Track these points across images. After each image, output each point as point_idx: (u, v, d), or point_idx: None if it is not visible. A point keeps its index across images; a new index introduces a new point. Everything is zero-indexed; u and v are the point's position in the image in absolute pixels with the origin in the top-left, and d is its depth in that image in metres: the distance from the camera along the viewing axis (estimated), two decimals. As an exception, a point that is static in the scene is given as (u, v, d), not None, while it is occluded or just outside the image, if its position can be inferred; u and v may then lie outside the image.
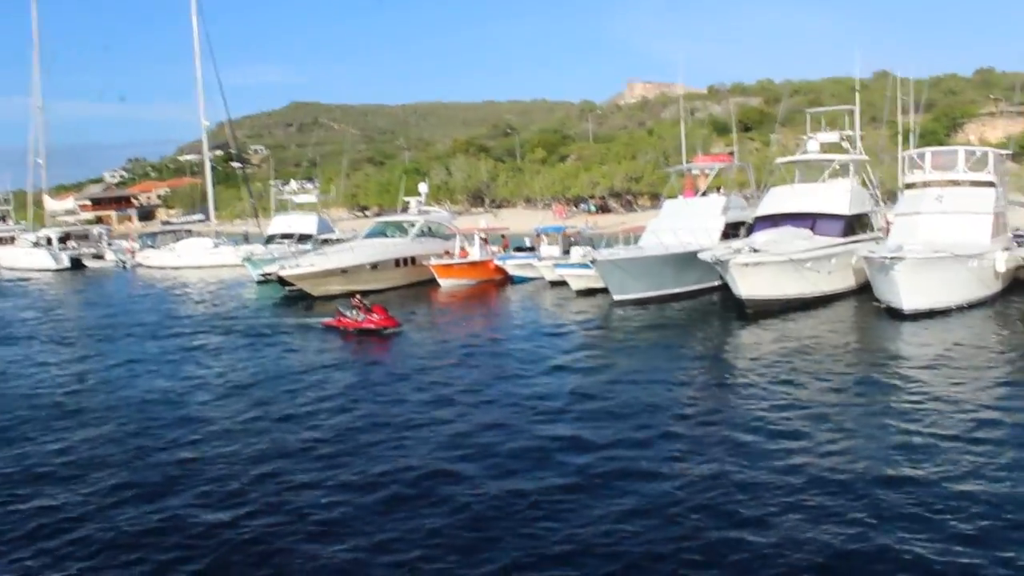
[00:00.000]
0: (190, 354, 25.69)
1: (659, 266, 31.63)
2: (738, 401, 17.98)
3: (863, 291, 30.78)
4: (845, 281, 30.79)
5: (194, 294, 42.33)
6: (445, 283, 39.61)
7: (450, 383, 20.28)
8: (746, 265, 27.48)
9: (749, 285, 27.97)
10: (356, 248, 39.13)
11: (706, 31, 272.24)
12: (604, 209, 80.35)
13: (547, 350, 24.25)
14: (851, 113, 37.48)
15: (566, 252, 41.09)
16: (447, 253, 41.66)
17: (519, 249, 44.15)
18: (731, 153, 56.41)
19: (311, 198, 52.25)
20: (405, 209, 47.24)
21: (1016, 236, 28.42)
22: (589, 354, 23.84)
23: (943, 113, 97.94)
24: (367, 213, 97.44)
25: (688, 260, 32.22)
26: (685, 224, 33.96)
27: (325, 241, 47.51)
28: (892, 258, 25.49)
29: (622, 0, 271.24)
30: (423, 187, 47.14)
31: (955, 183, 30.50)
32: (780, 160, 36.45)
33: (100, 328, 31.60)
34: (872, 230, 33.91)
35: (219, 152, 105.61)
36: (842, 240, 30.77)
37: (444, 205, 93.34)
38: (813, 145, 34.72)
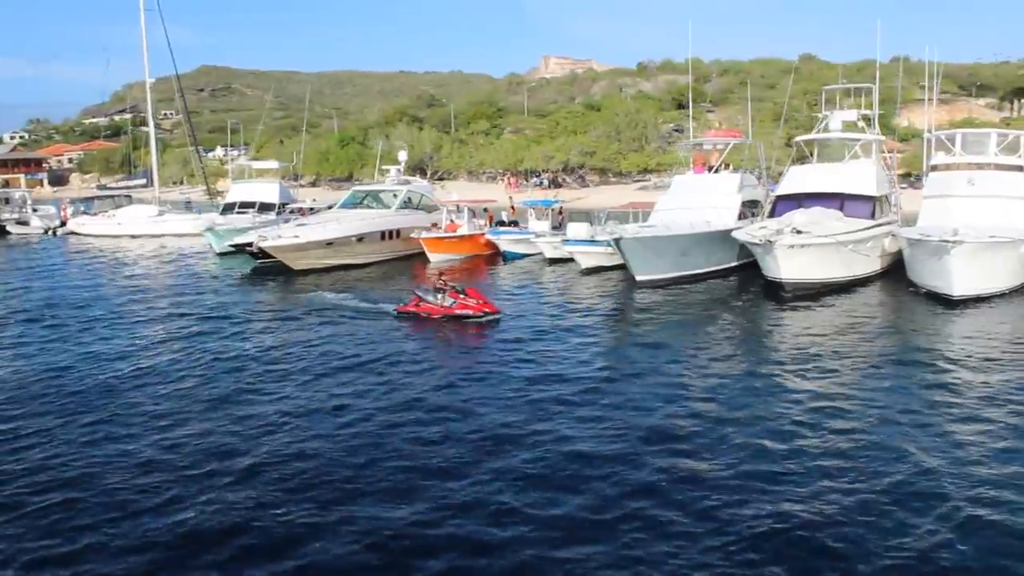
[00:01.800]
0: (243, 348, 21.05)
1: (685, 245, 29.81)
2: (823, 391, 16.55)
3: (888, 274, 29.93)
4: (874, 264, 29.73)
5: (154, 267, 38.57)
6: (435, 257, 37.04)
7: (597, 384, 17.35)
8: (792, 247, 25.87)
9: (792, 267, 26.44)
10: (342, 219, 36.10)
11: (620, 9, 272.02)
12: (556, 184, 78.34)
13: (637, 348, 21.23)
14: (869, 91, 36.26)
15: (556, 227, 39.14)
16: (435, 226, 38.99)
17: (500, 224, 41.86)
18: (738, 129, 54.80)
19: (272, 164, 48.39)
20: (383, 180, 44.25)
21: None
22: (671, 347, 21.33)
23: (884, 99, 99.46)
24: (302, 183, 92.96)
25: (711, 239, 30.60)
26: (701, 201, 32.33)
27: (293, 211, 44.17)
28: (951, 242, 24.10)
29: None
30: (402, 155, 44.15)
31: (984, 166, 29.62)
32: (800, 138, 34.93)
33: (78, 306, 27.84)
34: (890, 212, 32.86)
35: (126, 115, 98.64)
36: (873, 222, 29.57)
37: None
38: (835, 123, 33.44)
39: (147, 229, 50.28)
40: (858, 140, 32.98)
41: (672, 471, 12.46)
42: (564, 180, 79.44)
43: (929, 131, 34.50)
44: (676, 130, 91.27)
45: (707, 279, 30.76)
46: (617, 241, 28.30)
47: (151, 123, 54.07)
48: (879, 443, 13.49)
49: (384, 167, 43.82)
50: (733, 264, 32.09)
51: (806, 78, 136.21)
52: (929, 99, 42.02)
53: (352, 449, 13.55)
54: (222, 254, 38.78)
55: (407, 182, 42.79)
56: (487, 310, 23.24)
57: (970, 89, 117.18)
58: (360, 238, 35.90)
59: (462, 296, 23.36)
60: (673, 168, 45.84)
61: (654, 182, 76.47)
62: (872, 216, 29.77)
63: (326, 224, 35.29)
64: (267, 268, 34.64)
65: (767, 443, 13.53)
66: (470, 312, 23.11)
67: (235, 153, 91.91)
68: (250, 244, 34.10)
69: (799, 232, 26.13)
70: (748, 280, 31.64)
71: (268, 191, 45.06)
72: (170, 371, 18.78)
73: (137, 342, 22.01)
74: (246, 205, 45.23)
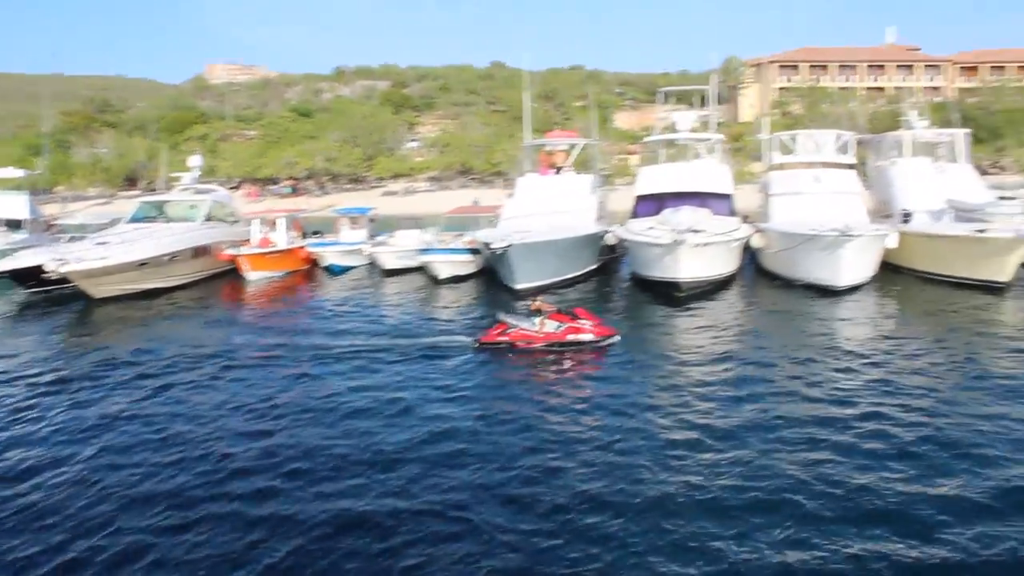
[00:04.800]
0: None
1: (563, 250, 28.85)
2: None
3: (743, 270, 31.05)
4: (738, 261, 30.40)
5: None
6: (254, 276, 32.87)
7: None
8: (696, 246, 25.89)
9: (691, 267, 26.47)
10: (153, 235, 30.59)
11: (287, 17, 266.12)
12: (297, 191, 74.09)
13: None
14: (705, 94, 37.62)
15: (372, 236, 36.69)
16: (246, 240, 34.64)
17: (317, 234, 38.44)
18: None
19: (16, 172, 39.95)
20: (170, 189, 38.50)
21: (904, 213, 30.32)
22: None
23: (607, 104, 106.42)
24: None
25: (583, 243, 30.03)
26: (556, 205, 31.64)
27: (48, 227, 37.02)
28: (850, 236, 25.52)
29: None
30: (196, 160, 38.52)
31: (823, 165, 31.91)
32: (651, 138, 35.33)
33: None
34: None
35: None
36: (736, 220, 30.57)
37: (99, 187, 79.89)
38: (684, 124, 34.19)
39: None
40: (707, 140, 34.08)
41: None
42: (305, 187, 75.28)
43: (760, 133, 36.62)
44: (413, 140, 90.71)
45: (576, 283, 30.09)
46: (504, 248, 26.51)
47: None
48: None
49: (174, 175, 38.05)
50: (594, 267, 31.83)
51: (502, 85, 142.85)
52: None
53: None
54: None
55: (208, 191, 37.55)
56: (605, 334, 19.38)
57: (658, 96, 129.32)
58: (173, 257, 30.81)
59: (574, 320, 19.41)
60: (511, 172, 44.49)
61: (404, 187, 75.11)
62: (732, 213, 30.77)
63: (134, 242, 29.69)
64: (50, 298, 28.81)
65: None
66: (589, 337, 19.14)
67: None
68: (36, 269, 27.78)
69: (696, 231, 26.14)
70: (610, 282, 31.58)
71: (16, 205, 37.11)
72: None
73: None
74: (-11, 222, 36.90)
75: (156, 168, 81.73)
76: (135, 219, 34.13)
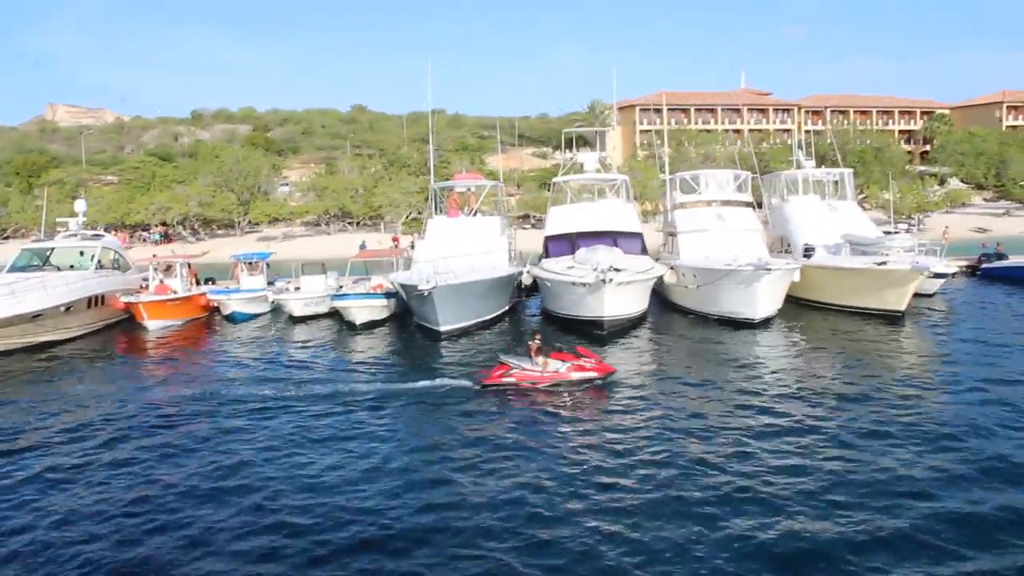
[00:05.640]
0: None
1: (484, 291, 28.62)
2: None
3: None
4: (648, 298, 30.63)
5: None
6: (154, 324, 30.99)
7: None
8: (620, 284, 26.19)
9: (615, 305, 26.77)
10: (45, 284, 28.32)
11: (130, 60, 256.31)
12: (168, 238, 70.91)
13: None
14: (603, 135, 38.31)
15: (271, 283, 35.55)
16: (143, 287, 32.75)
17: (210, 281, 36.77)
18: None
19: None
20: (52, 235, 35.88)
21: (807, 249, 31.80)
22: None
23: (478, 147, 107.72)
24: None
25: (500, 284, 29.90)
26: (470, 247, 31.25)
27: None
28: (759, 270, 26.54)
29: (38, 22, 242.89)
30: (81, 205, 35.87)
31: (728, 203, 33.12)
32: (559, 179, 35.44)
33: None
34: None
35: None
36: (648, 258, 31.12)
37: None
38: (590, 164, 34.68)
39: None
40: (614, 180, 34.66)
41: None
42: (177, 234, 72.12)
43: (661, 172, 37.59)
44: (283, 184, 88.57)
45: (493, 324, 29.85)
46: (428, 289, 25.84)
47: None
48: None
49: (60, 219, 35.43)
50: (506, 308, 31.70)
51: (366, 128, 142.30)
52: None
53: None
54: None
55: (98, 236, 35.18)
56: (606, 371, 19.46)
57: (518, 140, 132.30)
58: (68, 307, 28.72)
59: (577, 358, 19.32)
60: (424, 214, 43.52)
61: (283, 232, 73.12)
62: (644, 251, 31.35)
63: (27, 292, 27.41)
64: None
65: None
66: (593, 374, 19.15)
67: None
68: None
69: (618, 270, 26.40)
70: (523, 322, 31.52)
71: None
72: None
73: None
74: None
75: (8, 215, 76.93)
76: (16, 268, 31.62)
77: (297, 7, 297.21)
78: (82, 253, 33.06)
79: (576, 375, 19.09)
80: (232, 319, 33.18)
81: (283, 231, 72.89)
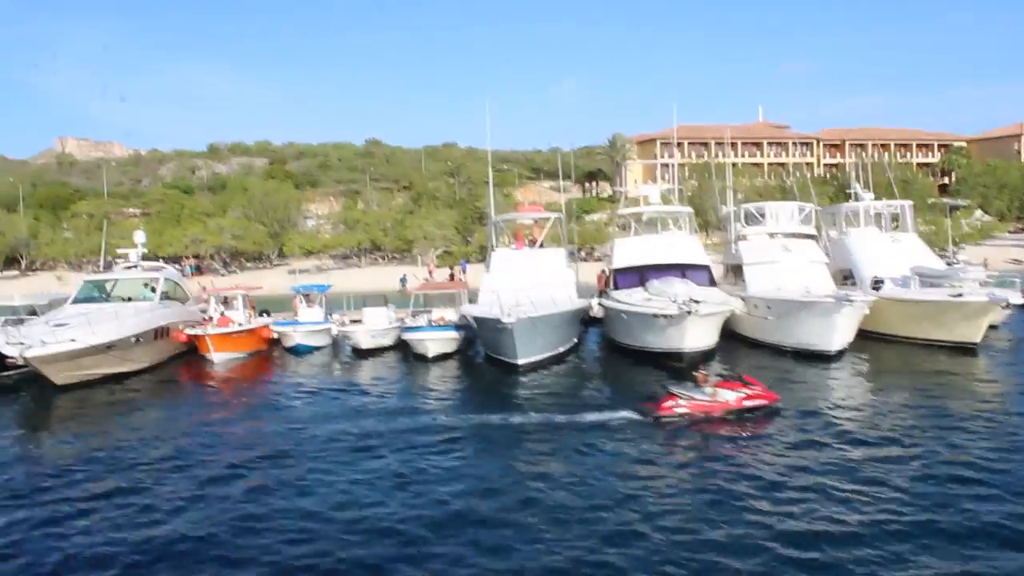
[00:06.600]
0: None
1: (560, 324, 28.50)
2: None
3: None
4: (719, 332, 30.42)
5: None
6: (219, 357, 30.80)
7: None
8: (703, 316, 26.02)
9: (695, 337, 26.59)
10: (119, 315, 28.20)
11: (140, 94, 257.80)
12: (200, 270, 70.93)
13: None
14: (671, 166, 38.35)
15: (330, 314, 35.46)
16: (208, 319, 32.58)
17: (265, 312, 36.62)
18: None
19: None
20: (109, 267, 35.86)
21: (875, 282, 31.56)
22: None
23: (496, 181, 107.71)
24: None
25: (572, 317, 29.76)
26: (537, 279, 31.02)
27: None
28: (840, 302, 26.45)
29: (51, 56, 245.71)
30: (140, 236, 35.87)
31: (793, 235, 33.06)
32: (625, 211, 35.51)
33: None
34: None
35: None
36: (717, 290, 30.90)
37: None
38: (655, 197, 34.64)
39: None
40: (678, 212, 34.62)
41: None
42: (210, 266, 72.15)
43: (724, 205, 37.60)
44: (306, 217, 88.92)
45: (564, 357, 29.63)
46: (512, 321, 25.56)
47: None
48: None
49: (121, 250, 35.39)
50: (575, 341, 31.52)
51: (383, 162, 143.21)
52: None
53: None
54: None
55: (158, 268, 35.15)
56: (771, 399, 19.50)
57: (538, 174, 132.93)
58: (138, 339, 28.57)
59: (745, 386, 19.32)
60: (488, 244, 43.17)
61: (315, 265, 73.05)
62: (712, 283, 31.21)
63: (99, 323, 27.29)
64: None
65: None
66: (761, 402, 19.20)
67: None
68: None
69: (697, 302, 26.26)
70: (592, 354, 31.32)
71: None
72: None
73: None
74: None
75: (38, 247, 76.92)
76: (79, 300, 31.50)
77: (303, 44, 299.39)
78: (145, 284, 32.99)
79: (748, 403, 19.08)
80: (295, 351, 32.93)
81: (314, 264, 72.87)
